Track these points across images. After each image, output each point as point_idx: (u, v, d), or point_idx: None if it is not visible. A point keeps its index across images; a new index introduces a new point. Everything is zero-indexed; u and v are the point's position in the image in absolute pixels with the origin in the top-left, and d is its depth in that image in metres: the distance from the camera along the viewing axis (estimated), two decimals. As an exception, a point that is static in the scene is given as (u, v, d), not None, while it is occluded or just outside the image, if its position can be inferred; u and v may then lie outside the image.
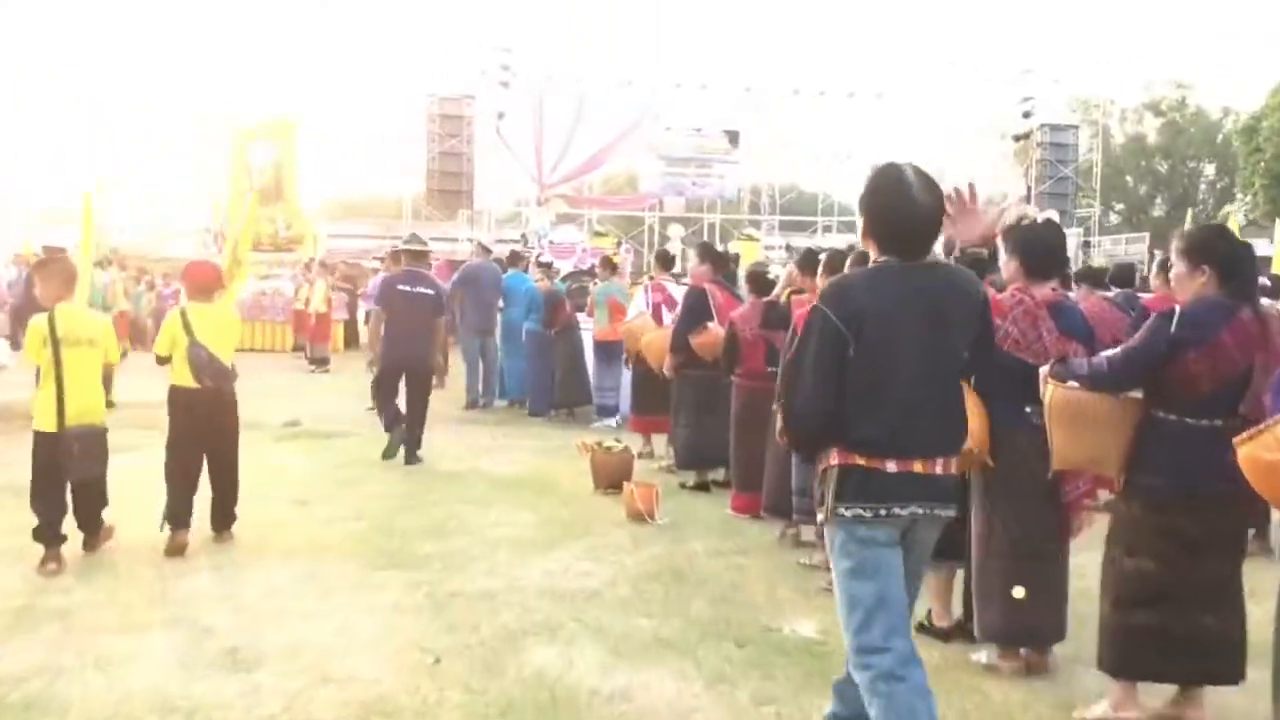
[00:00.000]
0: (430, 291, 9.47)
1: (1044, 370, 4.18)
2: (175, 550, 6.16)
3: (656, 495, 7.21)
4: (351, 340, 23.21)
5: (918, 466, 3.15)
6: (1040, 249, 4.61)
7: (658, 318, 9.66)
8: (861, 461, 3.13)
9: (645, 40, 53.31)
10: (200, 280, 6.64)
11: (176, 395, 6.42)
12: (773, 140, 31.48)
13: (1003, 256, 4.71)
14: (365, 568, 6.08)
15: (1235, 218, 29.71)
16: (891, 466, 3.12)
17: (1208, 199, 45.85)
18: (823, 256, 6.39)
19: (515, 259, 13.69)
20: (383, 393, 9.51)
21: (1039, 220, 4.81)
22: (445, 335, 15.53)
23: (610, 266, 11.69)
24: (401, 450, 9.32)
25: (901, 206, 3.17)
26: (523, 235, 29.52)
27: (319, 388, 14.96)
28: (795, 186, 34.64)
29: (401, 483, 8.43)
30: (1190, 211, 31.11)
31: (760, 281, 7.23)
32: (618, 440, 8.42)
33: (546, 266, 13.28)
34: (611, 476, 7.96)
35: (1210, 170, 46.74)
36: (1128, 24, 56.74)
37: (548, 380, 12.15)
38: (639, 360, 9.56)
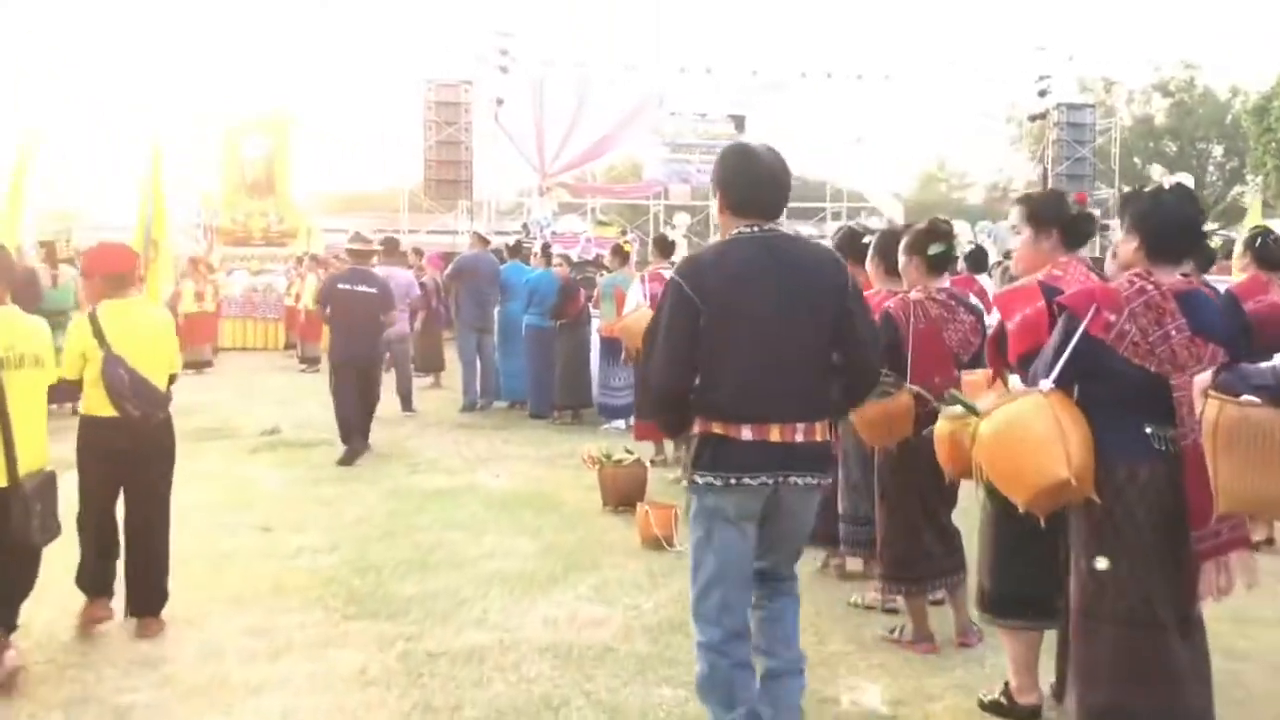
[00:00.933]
0: (373, 290, 9.31)
1: (1200, 380, 3.11)
2: (92, 622, 4.81)
3: (675, 518, 6.14)
4: (348, 337, 22.18)
5: (774, 434, 3.12)
6: (1170, 223, 3.47)
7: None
8: (718, 430, 3.14)
9: (648, 24, 51.98)
10: (110, 267, 4.87)
11: (90, 431, 4.78)
12: (780, 125, 30.28)
13: (1119, 233, 3.63)
14: (331, 616, 5.03)
15: (1252, 198, 28.60)
16: (746, 434, 3.11)
17: (1217, 180, 44.68)
18: (869, 240, 5.31)
19: (517, 249, 12.53)
20: (337, 395, 9.24)
21: (1166, 185, 3.69)
22: (440, 330, 14.64)
23: (621, 255, 10.57)
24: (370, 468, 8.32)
25: (748, 168, 3.25)
26: (524, 225, 28.44)
27: (307, 389, 13.81)
28: (802, 172, 33.50)
29: (385, 502, 7.36)
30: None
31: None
32: (628, 451, 7.34)
33: (565, 256, 12.04)
34: (623, 493, 6.90)
35: (1219, 151, 45.52)
36: (1134, 4, 55.37)
37: (549, 379, 11.08)
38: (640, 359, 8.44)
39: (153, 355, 4.87)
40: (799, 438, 3.16)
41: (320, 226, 25.53)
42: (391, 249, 11.94)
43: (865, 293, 4.79)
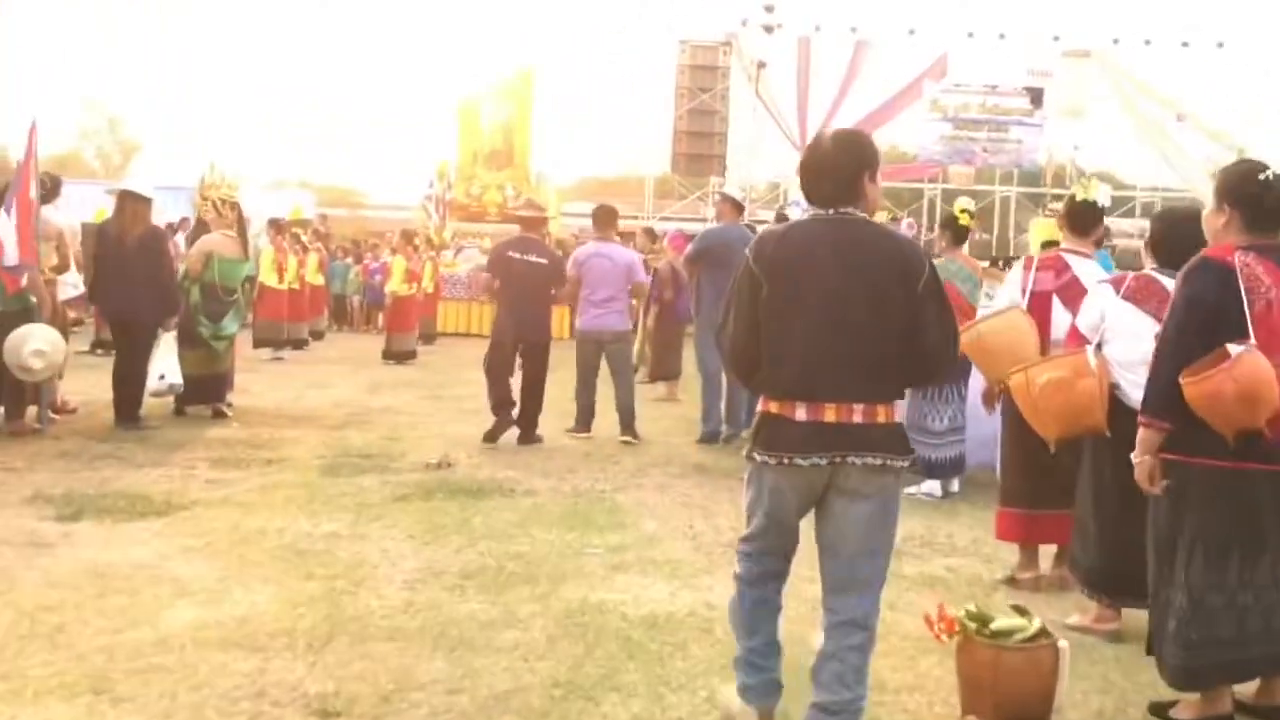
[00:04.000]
0: (544, 260, 8.49)
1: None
2: None
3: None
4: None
5: (829, 414, 3.02)
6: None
7: (1041, 318, 4.90)
8: (774, 409, 3.10)
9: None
10: None
11: None
12: (1085, 99, 25.41)
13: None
14: None
15: None
16: (801, 414, 3.03)
17: None
18: None
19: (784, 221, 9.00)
20: (494, 368, 8.39)
21: None
22: (678, 329, 11.38)
23: (955, 234, 7.03)
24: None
25: (808, 159, 3.24)
26: (779, 210, 24.94)
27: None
28: (1107, 156, 28.36)
29: (553, 650, 4.00)
30: None
31: None
32: (1019, 611, 3.69)
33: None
34: (1014, 705, 3.31)
35: None
36: None
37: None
38: (1010, 403, 4.85)
39: None
40: (857, 418, 3.02)
41: (559, 209, 22.84)
42: (605, 221, 8.86)
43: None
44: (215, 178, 9.26)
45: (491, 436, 8.18)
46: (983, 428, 6.94)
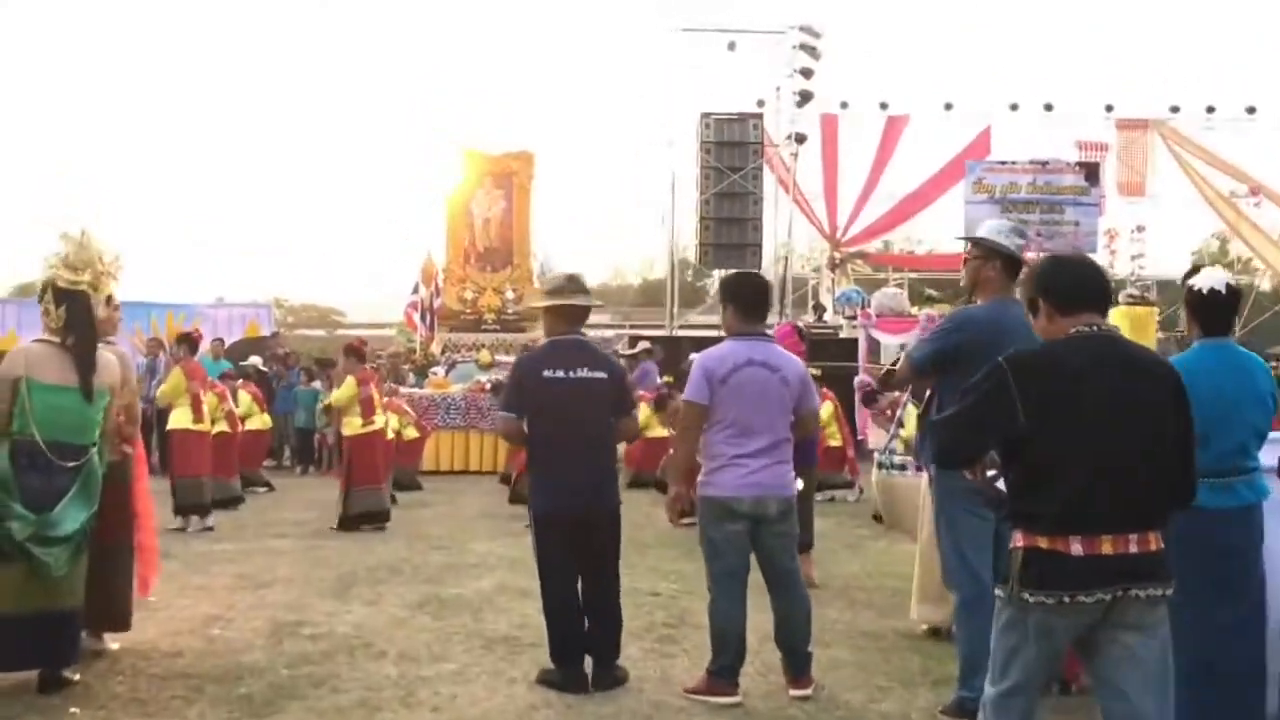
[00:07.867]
0: (602, 374, 4.78)
1: None
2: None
3: None
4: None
5: (1106, 546, 2.72)
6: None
7: None
8: (1044, 544, 2.76)
9: (971, 53, 43.22)
10: None
11: None
12: (1145, 172, 22.04)
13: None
14: None
15: None
16: (1077, 548, 2.72)
17: None
18: None
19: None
20: (550, 577, 4.76)
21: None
22: (808, 475, 7.17)
23: None
24: None
25: (1064, 266, 3.06)
26: (814, 306, 21.16)
27: (527, 575, 6.51)
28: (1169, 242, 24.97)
29: None
30: None
31: None
32: None
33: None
34: None
35: None
36: None
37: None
38: None
39: None
40: (1133, 549, 2.73)
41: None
42: (758, 303, 4.90)
43: None
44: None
45: (553, 682, 4.74)
46: None
